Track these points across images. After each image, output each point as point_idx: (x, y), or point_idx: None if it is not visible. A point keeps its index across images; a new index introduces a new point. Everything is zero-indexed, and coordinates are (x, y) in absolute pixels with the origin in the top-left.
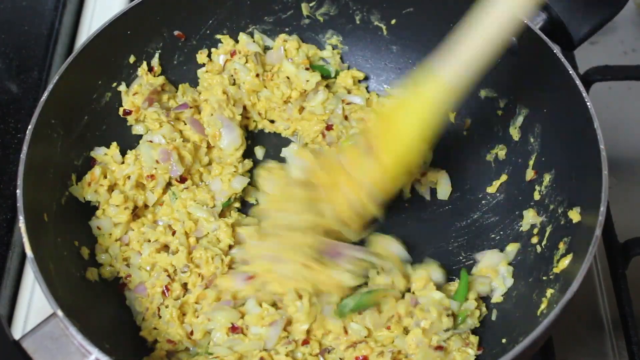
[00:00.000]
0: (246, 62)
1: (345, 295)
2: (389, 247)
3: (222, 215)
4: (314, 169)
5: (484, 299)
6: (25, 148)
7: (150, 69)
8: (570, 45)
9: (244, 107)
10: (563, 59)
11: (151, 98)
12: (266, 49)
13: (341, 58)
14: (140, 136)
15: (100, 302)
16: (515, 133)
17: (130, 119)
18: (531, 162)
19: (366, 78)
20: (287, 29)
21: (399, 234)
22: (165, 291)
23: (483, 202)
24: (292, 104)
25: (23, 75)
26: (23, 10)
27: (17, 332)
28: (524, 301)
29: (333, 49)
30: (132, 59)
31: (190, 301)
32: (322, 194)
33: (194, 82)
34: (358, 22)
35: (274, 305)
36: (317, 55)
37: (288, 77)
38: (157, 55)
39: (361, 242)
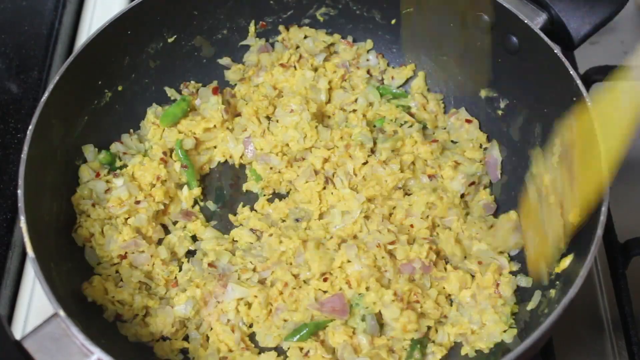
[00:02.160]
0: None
1: None
2: None
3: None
4: None
5: None
6: (25, 148)
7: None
8: (571, 45)
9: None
10: (563, 59)
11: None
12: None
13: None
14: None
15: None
16: (515, 133)
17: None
18: (531, 162)
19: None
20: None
21: None
22: None
23: None
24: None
25: (23, 75)
26: (23, 10)
27: (17, 332)
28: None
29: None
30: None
31: None
32: None
33: (197, 80)
34: (358, 22)
35: None
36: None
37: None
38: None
39: None
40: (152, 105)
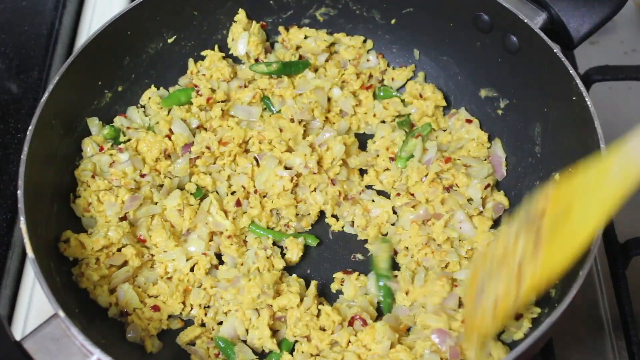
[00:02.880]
0: None
1: None
2: None
3: None
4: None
5: None
6: (25, 148)
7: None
8: (570, 45)
9: None
10: (563, 59)
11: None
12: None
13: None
14: None
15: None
16: (515, 133)
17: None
18: (532, 162)
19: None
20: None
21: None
22: None
23: None
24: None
25: (23, 75)
26: (23, 10)
27: (17, 332)
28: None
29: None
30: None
31: None
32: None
33: None
34: (358, 22)
35: None
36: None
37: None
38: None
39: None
40: (160, 88)
